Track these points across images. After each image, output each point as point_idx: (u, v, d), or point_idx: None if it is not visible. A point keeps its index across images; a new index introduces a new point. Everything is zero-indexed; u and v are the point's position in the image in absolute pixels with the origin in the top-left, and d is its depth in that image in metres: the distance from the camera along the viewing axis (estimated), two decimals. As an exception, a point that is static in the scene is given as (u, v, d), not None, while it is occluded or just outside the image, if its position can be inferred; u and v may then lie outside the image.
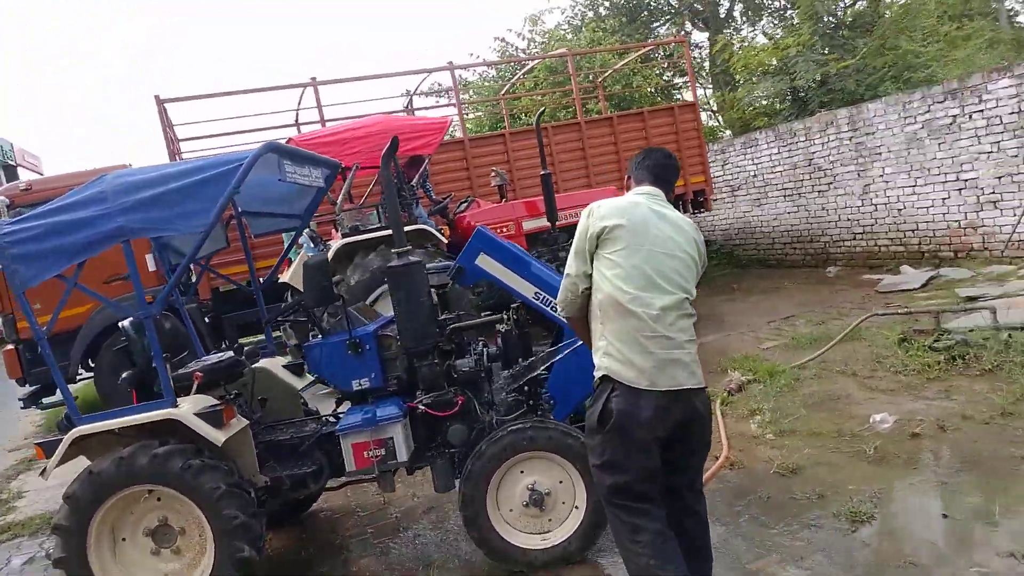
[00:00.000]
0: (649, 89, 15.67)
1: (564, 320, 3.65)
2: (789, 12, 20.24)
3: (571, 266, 2.65)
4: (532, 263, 3.81)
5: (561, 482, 3.48)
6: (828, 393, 5.40)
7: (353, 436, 3.55)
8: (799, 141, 11.82)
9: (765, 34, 19.46)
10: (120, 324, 3.92)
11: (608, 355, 2.53)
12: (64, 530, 3.35)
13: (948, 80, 9.43)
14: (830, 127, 11.17)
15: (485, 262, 3.73)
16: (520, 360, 3.77)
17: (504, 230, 8.26)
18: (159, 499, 3.47)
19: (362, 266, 6.83)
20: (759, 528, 3.52)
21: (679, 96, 17.60)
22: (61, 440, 3.42)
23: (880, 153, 10.35)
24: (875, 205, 10.62)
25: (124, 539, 3.49)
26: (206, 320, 8.01)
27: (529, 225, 8.40)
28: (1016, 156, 8.51)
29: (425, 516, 4.40)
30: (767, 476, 4.11)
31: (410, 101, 13.19)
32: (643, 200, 2.67)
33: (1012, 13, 18.43)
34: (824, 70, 12.91)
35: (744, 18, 21.33)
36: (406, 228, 7.25)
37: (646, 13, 21.83)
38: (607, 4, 22.05)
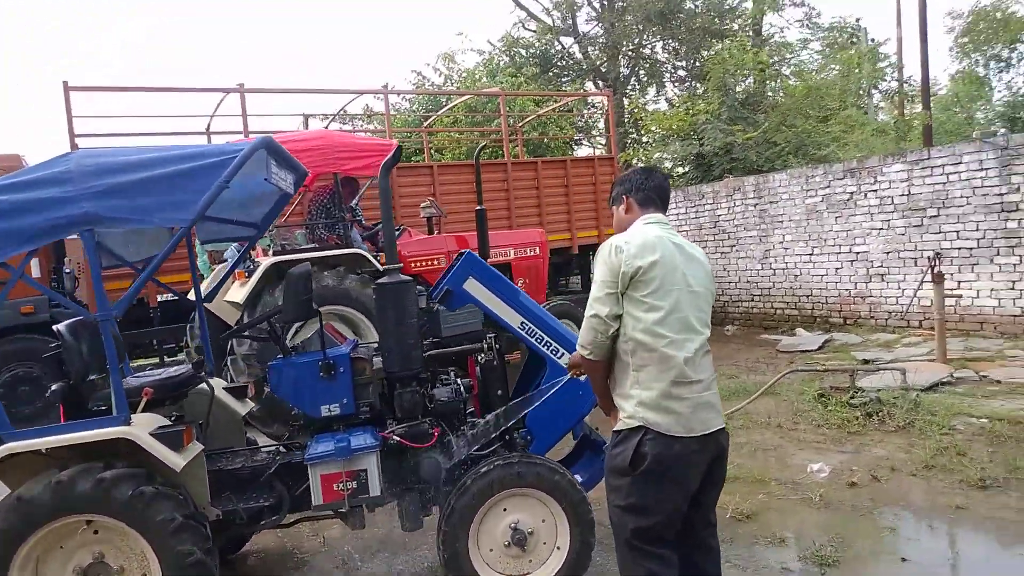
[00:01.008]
0: (564, 140, 16.14)
1: (551, 357, 3.64)
2: (690, 82, 21.75)
3: (600, 307, 2.49)
4: (519, 292, 3.73)
5: (544, 521, 3.36)
6: (758, 443, 5.61)
7: (323, 467, 3.28)
8: (707, 203, 12.51)
9: (668, 101, 20.63)
10: (55, 328, 3.46)
11: (643, 404, 2.43)
12: (-22, 567, 2.86)
13: (848, 160, 10.34)
14: (737, 193, 11.91)
15: (473, 287, 3.61)
16: (498, 391, 3.66)
17: (435, 263, 8.13)
18: (96, 532, 3.05)
19: (293, 288, 6.46)
20: (736, 571, 3.54)
21: (581, 148, 18.29)
22: (-18, 459, 2.94)
23: (782, 221, 11.13)
24: (774, 270, 11.35)
25: (48, 578, 3.02)
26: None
27: (460, 260, 8.31)
28: (903, 234, 9.39)
29: (373, 558, 4.11)
30: (725, 521, 4.17)
31: (332, 119, 12.84)
32: (663, 233, 2.56)
33: (878, 107, 20.65)
34: (730, 139, 13.82)
35: (643, 83, 22.55)
36: (339, 252, 6.99)
37: (556, 68, 22.70)
38: (523, 53, 22.76)
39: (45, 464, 3.07)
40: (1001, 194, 8.30)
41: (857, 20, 20.85)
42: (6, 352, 8.12)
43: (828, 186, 10.36)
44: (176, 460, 3.02)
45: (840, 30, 21.16)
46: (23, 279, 3.03)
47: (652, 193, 2.70)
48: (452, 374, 3.79)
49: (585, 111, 20.04)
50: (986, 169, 8.40)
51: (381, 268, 7.21)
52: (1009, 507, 3.99)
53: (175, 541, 2.96)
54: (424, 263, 8.04)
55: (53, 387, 3.39)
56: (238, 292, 6.49)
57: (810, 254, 10.74)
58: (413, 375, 3.44)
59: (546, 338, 3.64)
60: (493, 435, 3.58)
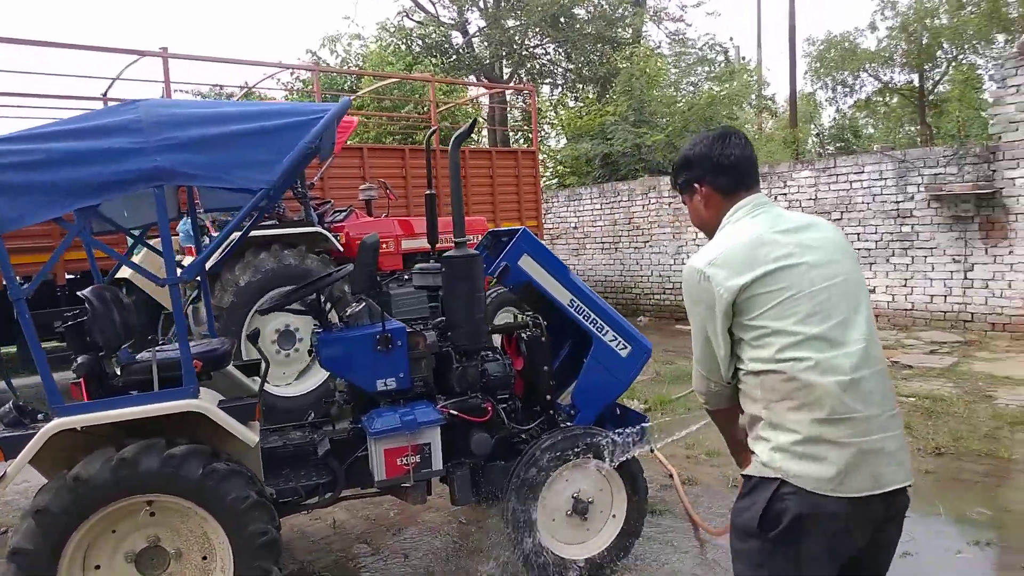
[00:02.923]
0: (494, 129, 16.23)
1: (597, 334, 3.71)
2: (582, 85, 22.48)
3: (704, 355, 1.96)
4: (568, 271, 3.79)
5: (601, 490, 3.46)
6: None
7: (388, 441, 3.20)
8: (622, 200, 13.02)
9: (562, 102, 21.24)
10: (82, 293, 3.12)
11: (780, 450, 1.78)
12: (27, 556, 2.57)
13: (760, 164, 11.13)
14: (652, 191, 12.49)
15: (527, 263, 3.62)
16: (543, 367, 3.70)
17: (385, 246, 7.95)
18: (152, 514, 2.80)
19: (253, 265, 6.12)
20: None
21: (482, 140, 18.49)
22: (28, 435, 2.63)
23: (695, 219, 11.79)
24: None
25: (98, 567, 2.75)
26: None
27: (407, 244, 8.17)
28: (808, 234, 10.26)
29: (395, 538, 4.02)
30: (730, 490, 4.44)
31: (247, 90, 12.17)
32: (762, 225, 1.90)
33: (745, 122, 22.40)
34: (639, 140, 14.45)
35: (536, 83, 22.95)
36: (301, 230, 6.68)
37: (454, 58, 22.67)
38: (421, 43, 22.55)
39: (90, 443, 2.78)
40: (897, 202, 9.29)
41: (731, 39, 22.50)
42: None
43: (740, 188, 11.10)
44: (250, 435, 2.85)
45: (711, 47, 22.78)
46: (83, 237, 2.72)
47: (739, 171, 1.99)
48: (498, 350, 3.80)
49: (495, 105, 20.21)
50: (885, 179, 9.37)
51: (341, 248, 7.02)
52: (967, 470, 4.54)
53: (247, 520, 2.79)
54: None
55: (79, 360, 3.05)
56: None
57: (721, 251, 11.46)
58: (478, 350, 3.41)
59: (593, 315, 3.72)
60: (548, 411, 3.64)
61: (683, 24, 23.44)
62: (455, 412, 3.40)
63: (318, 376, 6.50)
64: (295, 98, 17.25)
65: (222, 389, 3.53)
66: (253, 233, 6.26)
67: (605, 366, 3.72)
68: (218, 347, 3.38)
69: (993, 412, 5.62)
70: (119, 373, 3.24)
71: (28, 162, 2.54)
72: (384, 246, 7.91)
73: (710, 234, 2.05)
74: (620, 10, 22.15)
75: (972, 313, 8.69)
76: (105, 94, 9.56)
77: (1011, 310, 8.37)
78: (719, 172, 1.99)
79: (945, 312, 8.95)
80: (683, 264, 11.80)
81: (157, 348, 3.57)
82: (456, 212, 3.41)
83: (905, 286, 9.25)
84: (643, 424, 3.67)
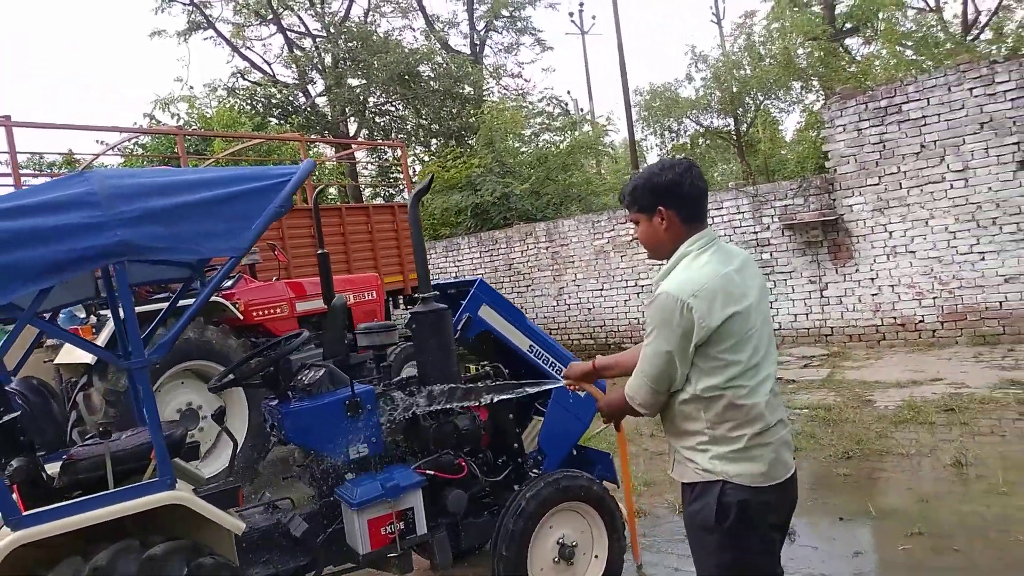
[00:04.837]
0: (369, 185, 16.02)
1: (557, 378, 3.78)
2: (439, 139, 22.90)
3: (661, 373, 2.11)
4: (525, 316, 3.84)
5: (583, 532, 3.48)
6: (654, 449, 6.18)
7: (370, 511, 3.05)
8: (500, 248, 13.30)
9: (434, 153, 21.49)
10: (8, 388, 2.75)
11: (720, 458, 2.10)
12: None
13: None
14: (529, 237, 12.87)
15: (487, 313, 3.65)
16: (510, 415, 3.70)
17: (278, 311, 7.60)
18: (127, 625, 2.48)
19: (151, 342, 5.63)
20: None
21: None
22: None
23: (573, 261, 12.28)
24: (568, 305, 12.43)
25: None
26: None
27: (301, 307, 7.86)
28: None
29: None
30: (678, 514, 4.60)
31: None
32: (724, 263, 2.13)
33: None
34: (506, 190, 14.90)
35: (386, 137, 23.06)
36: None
37: (302, 117, 22.30)
38: (264, 102, 22.05)
39: (47, 555, 2.44)
40: (756, 232, 10.22)
41: (568, 92, 23.92)
42: None
43: (612, 229, 11.74)
44: (237, 523, 2.63)
45: (549, 100, 23.98)
46: (36, 324, 2.42)
47: (700, 203, 2.19)
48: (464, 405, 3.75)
49: (350, 161, 20.01)
50: (743, 212, 10.28)
51: (240, 316, 6.64)
52: (877, 468, 5.01)
53: (240, 617, 2.55)
54: (266, 311, 7.46)
55: (13, 464, 2.68)
56: (81, 352, 5.46)
57: (600, 289, 11.99)
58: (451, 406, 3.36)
59: (552, 360, 3.80)
60: (516, 460, 3.63)
61: (522, 80, 24.69)
62: (431, 472, 3.31)
63: (224, 454, 6.06)
64: (135, 163, 16.24)
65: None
66: (145, 308, 5.79)
67: (566, 408, 3.79)
68: (173, 431, 3.10)
69: (877, 415, 6.26)
70: (53, 475, 2.88)
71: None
72: (278, 310, 7.60)
73: (660, 255, 2.26)
74: (465, 67, 22.86)
75: (832, 327, 9.66)
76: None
77: (863, 321, 9.38)
78: (685, 200, 2.17)
79: (808, 328, 9.87)
80: (565, 305, 12.20)
81: (81, 445, 3.21)
82: (420, 267, 3.37)
83: (772, 308, 10.12)
84: (609, 458, 3.77)
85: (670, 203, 2.16)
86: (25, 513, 2.32)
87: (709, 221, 2.26)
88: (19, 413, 2.70)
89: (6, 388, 2.81)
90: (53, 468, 2.89)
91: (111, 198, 2.47)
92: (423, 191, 3.36)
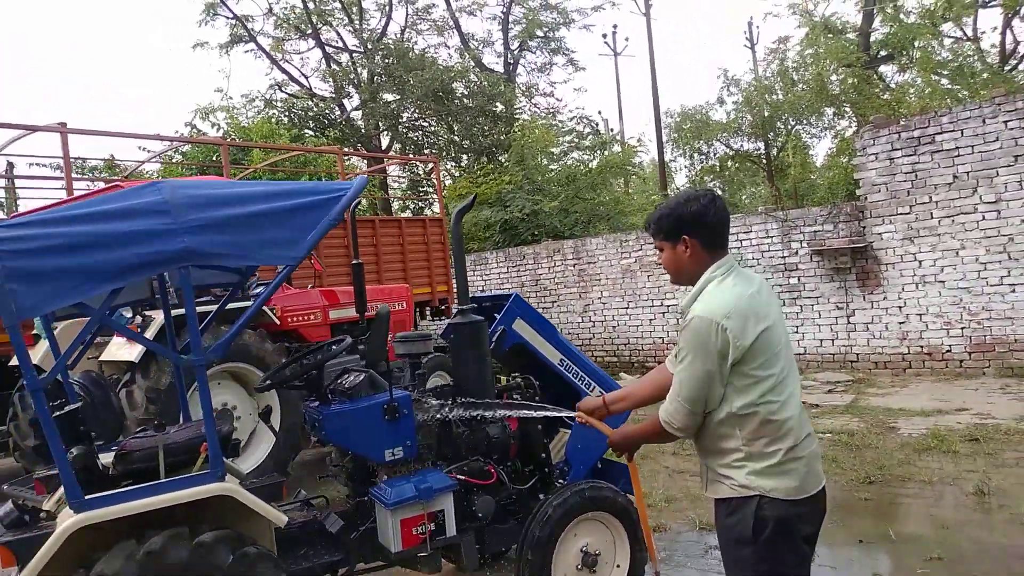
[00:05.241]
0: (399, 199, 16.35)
1: (586, 392, 3.90)
2: (470, 155, 23.20)
3: (699, 394, 2.20)
4: (557, 331, 3.98)
5: (606, 541, 3.58)
6: (674, 467, 6.25)
7: (403, 511, 3.20)
8: (528, 263, 13.46)
9: (464, 169, 21.78)
10: (74, 380, 2.95)
11: (757, 474, 2.18)
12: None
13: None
14: (556, 254, 13.02)
15: (520, 326, 3.79)
16: (539, 426, 3.83)
17: (311, 317, 7.82)
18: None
19: (190, 345, 5.87)
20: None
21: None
22: (43, 535, 2.45)
23: (599, 279, 12.39)
24: (593, 322, 12.53)
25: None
26: None
27: (334, 315, 8.08)
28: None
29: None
30: (698, 531, 4.68)
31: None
32: (741, 283, 2.25)
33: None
34: (536, 207, 15.09)
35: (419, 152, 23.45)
36: (238, 305, 6.46)
37: (338, 130, 22.79)
38: (301, 115, 22.58)
39: (102, 538, 2.61)
40: (784, 257, 10.26)
41: (599, 112, 24.05)
42: None
43: (640, 249, 11.84)
44: (280, 516, 2.78)
45: (579, 119, 24.16)
46: (107, 323, 2.62)
47: (724, 232, 2.32)
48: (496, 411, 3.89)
49: (384, 176, 20.38)
50: (771, 236, 10.33)
51: (277, 321, 6.85)
52: (899, 495, 5.04)
53: (280, 605, 2.70)
54: (300, 318, 7.69)
55: (73, 452, 2.87)
56: (125, 350, 5.71)
57: (626, 308, 12.08)
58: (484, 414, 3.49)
59: (581, 372, 3.92)
60: (543, 469, 3.75)
61: (553, 99, 24.94)
62: (462, 476, 3.45)
63: (259, 451, 6.25)
64: (174, 172, 16.74)
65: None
66: (181, 312, 6.02)
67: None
68: (221, 428, 3.27)
69: (901, 442, 6.27)
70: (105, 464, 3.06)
71: (51, 247, 2.45)
72: (312, 316, 7.82)
73: (683, 281, 2.39)
74: (498, 86, 23.19)
75: (857, 354, 9.65)
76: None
77: (889, 349, 9.37)
78: (709, 230, 2.30)
79: (834, 354, 9.87)
80: (590, 322, 12.30)
81: (133, 436, 3.40)
82: (460, 280, 3.53)
83: (796, 332, 10.13)
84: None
85: (694, 232, 2.28)
86: (87, 497, 2.49)
87: (738, 245, 2.45)
88: (80, 404, 2.90)
89: (70, 380, 3.01)
90: (103, 458, 3.09)
91: (180, 207, 2.67)
92: (466, 209, 3.52)
